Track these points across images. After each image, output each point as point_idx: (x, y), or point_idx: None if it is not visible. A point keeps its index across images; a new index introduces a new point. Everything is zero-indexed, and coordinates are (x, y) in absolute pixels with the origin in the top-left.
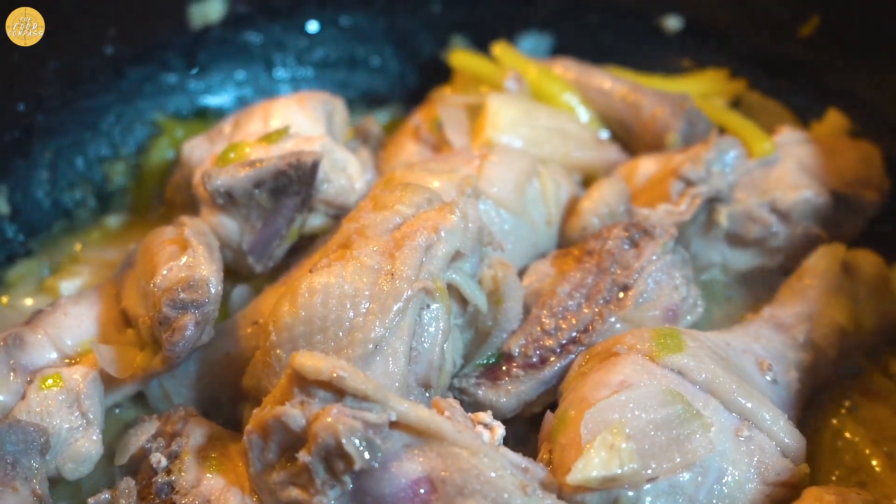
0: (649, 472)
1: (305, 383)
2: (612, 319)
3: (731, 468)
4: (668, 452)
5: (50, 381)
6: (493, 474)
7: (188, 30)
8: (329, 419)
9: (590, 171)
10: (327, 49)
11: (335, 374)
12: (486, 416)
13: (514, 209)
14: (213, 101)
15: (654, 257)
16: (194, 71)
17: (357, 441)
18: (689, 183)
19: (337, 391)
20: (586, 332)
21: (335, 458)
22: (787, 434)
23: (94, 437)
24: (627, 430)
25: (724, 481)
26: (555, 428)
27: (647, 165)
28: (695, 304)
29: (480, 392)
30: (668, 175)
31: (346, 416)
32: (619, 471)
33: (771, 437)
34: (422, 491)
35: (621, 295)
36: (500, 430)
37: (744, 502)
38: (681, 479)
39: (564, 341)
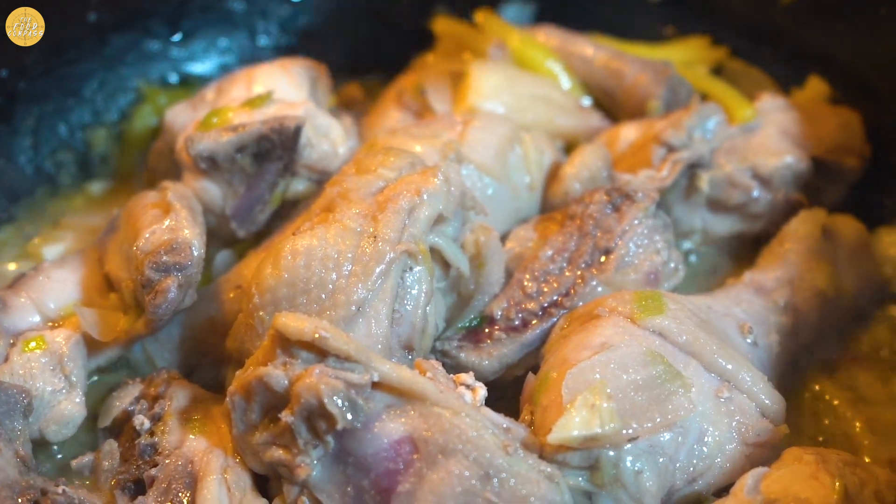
0: (630, 431)
1: (288, 344)
2: (594, 283)
3: (711, 428)
4: (648, 412)
5: (33, 344)
6: (474, 434)
7: None
8: (311, 379)
9: (572, 137)
10: (310, 17)
11: (317, 335)
12: (467, 378)
13: (496, 174)
14: (197, 68)
15: (635, 221)
16: (177, 38)
17: (339, 401)
18: (671, 149)
19: (319, 352)
20: (568, 295)
21: (318, 417)
22: (767, 395)
23: (77, 400)
24: (608, 390)
25: (704, 441)
26: (536, 389)
27: (629, 132)
28: (676, 268)
29: (462, 355)
30: (650, 141)
31: (329, 376)
32: (600, 430)
33: (751, 398)
34: (404, 451)
35: (603, 259)
36: (482, 391)
37: (723, 462)
38: (661, 438)
39: (546, 304)
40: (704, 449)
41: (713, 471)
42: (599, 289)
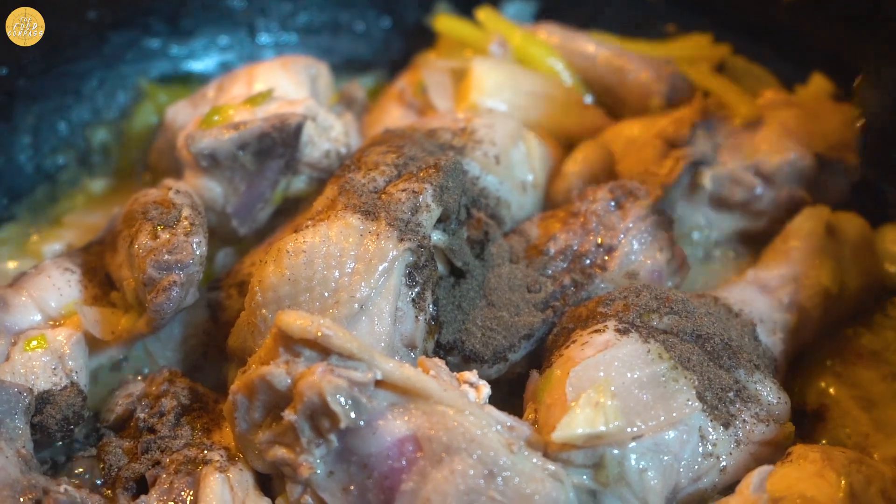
0: (634, 429)
1: (291, 342)
2: (597, 280)
3: (716, 426)
4: (652, 410)
5: (34, 343)
6: (478, 432)
7: None
8: (314, 377)
9: (574, 135)
10: (311, 14)
11: (320, 333)
12: (471, 376)
13: (499, 172)
14: (197, 66)
15: (638, 219)
16: (178, 36)
17: (342, 399)
18: (674, 146)
19: (322, 350)
20: (571, 292)
21: (321, 416)
22: (771, 393)
23: (79, 399)
24: (612, 388)
25: (708, 439)
26: (540, 387)
27: (632, 129)
28: (679, 265)
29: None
30: (653, 138)
31: (332, 374)
32: (604, 428)
33: (756, 396)
34: (407, 449)
35: (606, 256)
36: (486, 389)
37: (728, 460)
38: (666, 437)
39: (549, 302)
40: (709, 447)
41: (718, 469)
42: (602, 286)
